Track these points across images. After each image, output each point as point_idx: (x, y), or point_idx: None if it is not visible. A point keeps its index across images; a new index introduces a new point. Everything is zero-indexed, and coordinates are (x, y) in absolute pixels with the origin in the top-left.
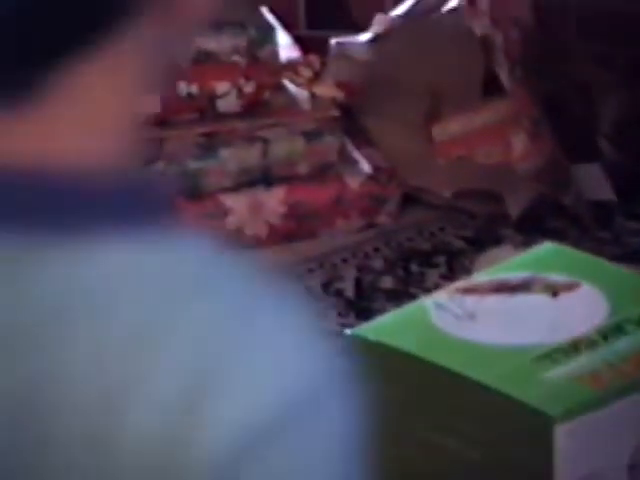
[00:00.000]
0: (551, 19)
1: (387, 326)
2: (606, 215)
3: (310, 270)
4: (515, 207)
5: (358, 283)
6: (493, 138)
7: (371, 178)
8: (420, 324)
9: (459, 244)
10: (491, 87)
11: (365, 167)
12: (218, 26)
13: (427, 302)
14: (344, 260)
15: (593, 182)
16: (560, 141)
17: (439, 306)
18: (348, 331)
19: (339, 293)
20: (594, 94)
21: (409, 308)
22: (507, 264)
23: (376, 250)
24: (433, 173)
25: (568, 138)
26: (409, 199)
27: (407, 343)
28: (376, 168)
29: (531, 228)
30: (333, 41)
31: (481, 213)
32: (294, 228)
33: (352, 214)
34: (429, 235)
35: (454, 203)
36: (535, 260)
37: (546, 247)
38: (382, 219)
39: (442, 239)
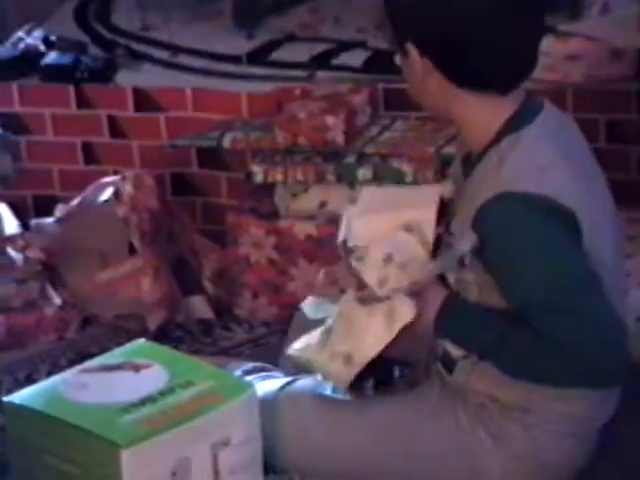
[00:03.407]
0: (171, 207)
1: (30, 394)
2: (208, 327)
3: (20, 368)
4: (152, 324)
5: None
6: (129, 281)
7: (61, 307)
8: (51, 393)
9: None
10: (132, 249)
11: (57, 301)
12: None
13: (57, 378)
14: (43, 361)
15: (198, 307)
16: (178, 281)
17: (64, 381)
18: (5, 398)
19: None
20: (200, 252)
21: (46, 382)
22: (111, 354)
23: (64, 354)
24: (100, 303)
25: (183, 279)
26: (87, 321)
27: (39, 405)
28: (65, 301)
29: (164, 338)
30: (33, 221)
31: (133, 328)
32: (10, 341)
33: (49, 332)
34: (100, 344)
35: (116, 322)
36: (130, 351)
37: (139, 343)
38: (69, 334)
39: (108, 347)
